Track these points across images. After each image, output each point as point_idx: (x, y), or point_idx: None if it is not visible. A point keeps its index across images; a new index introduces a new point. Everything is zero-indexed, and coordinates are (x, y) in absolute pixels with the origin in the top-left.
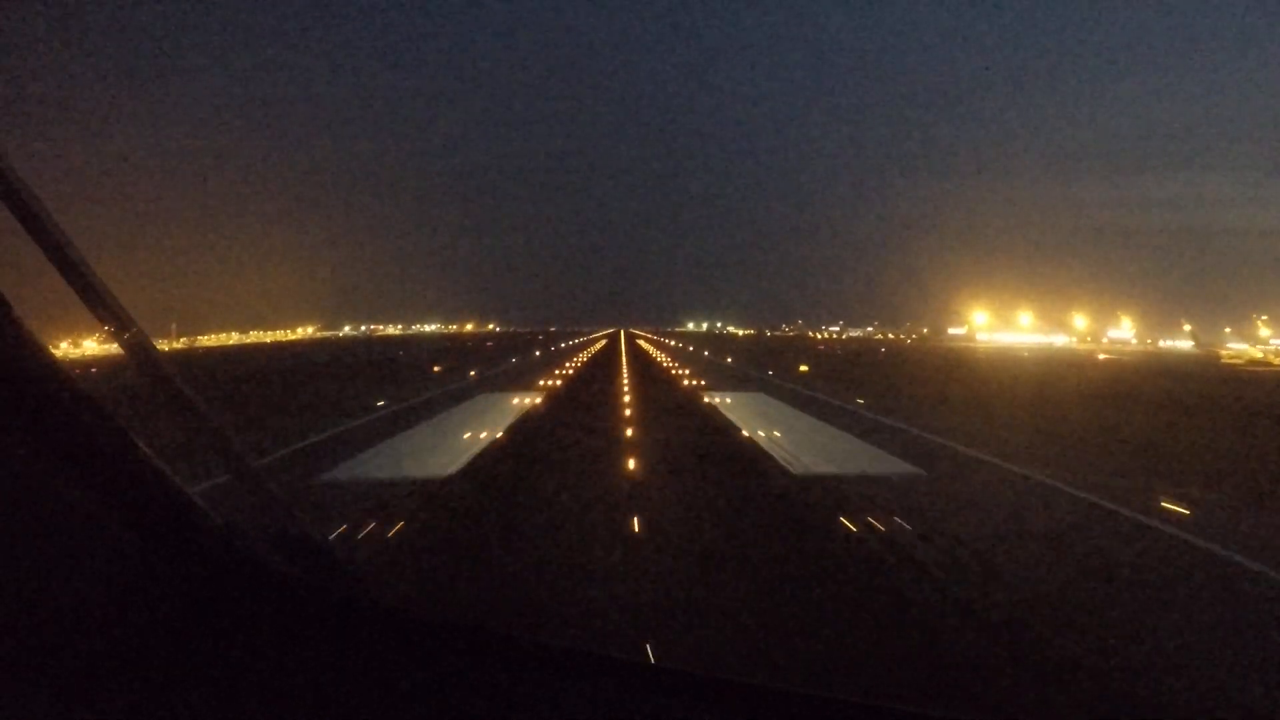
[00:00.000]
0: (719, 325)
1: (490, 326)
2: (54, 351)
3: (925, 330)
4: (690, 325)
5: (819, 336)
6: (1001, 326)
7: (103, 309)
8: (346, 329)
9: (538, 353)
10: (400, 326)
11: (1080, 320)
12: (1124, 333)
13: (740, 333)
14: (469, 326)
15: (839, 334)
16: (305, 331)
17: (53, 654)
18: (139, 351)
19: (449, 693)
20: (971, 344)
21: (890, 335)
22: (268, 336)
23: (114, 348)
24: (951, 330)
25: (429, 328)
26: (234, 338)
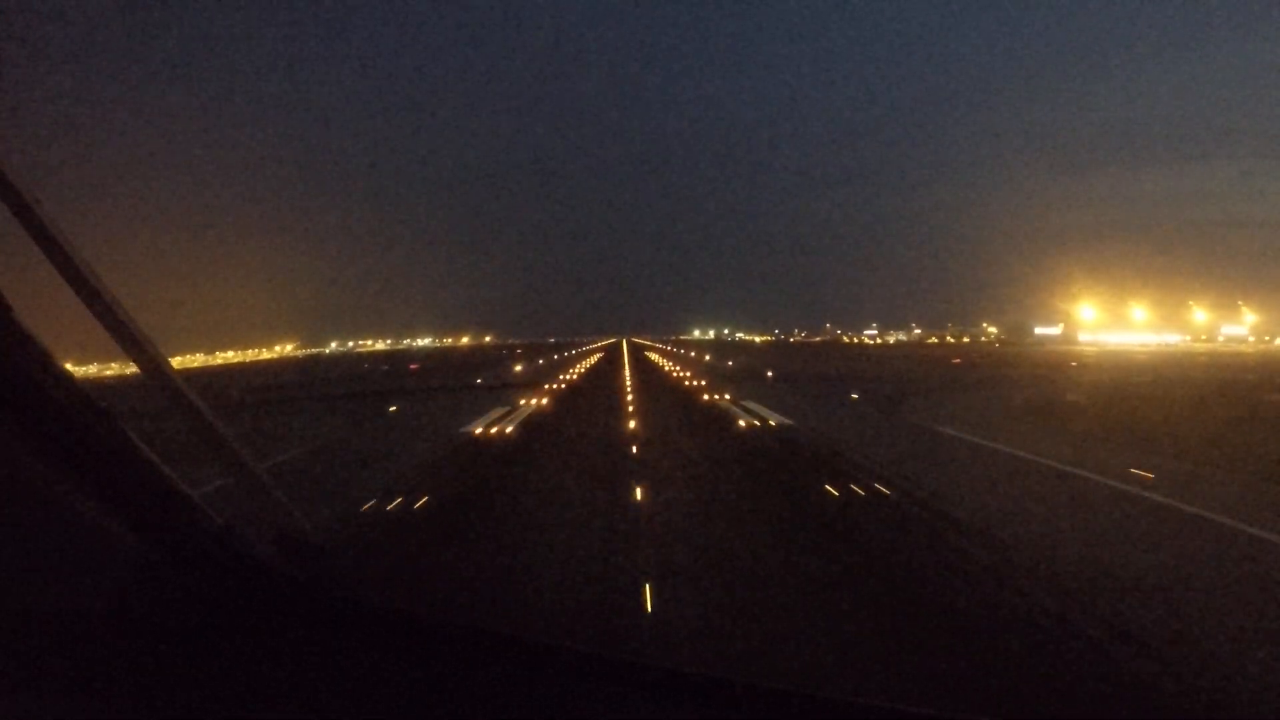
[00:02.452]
0: (726, 331)
1: (487, 339)
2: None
3: (993, 330)
4: (696, 332)
5: (869, 343)
6: (1088, 325)
7: (105, 312)
8: (333, 345)
9: (400, 416)
10: (389, 341)
11: (1183, 315)
12: (1239, 329)
13: (757, 339)
14: (465, 339)
15: (876, 338)
16: (283, 350)
17: (54, 653)
18: (142, 355)
19: (447, 693)
20: (1075, 346)
21: (949, 338)
22: (237, 357)
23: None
24: (1040, 330)
25: (422, 341)
26: (199, 359)
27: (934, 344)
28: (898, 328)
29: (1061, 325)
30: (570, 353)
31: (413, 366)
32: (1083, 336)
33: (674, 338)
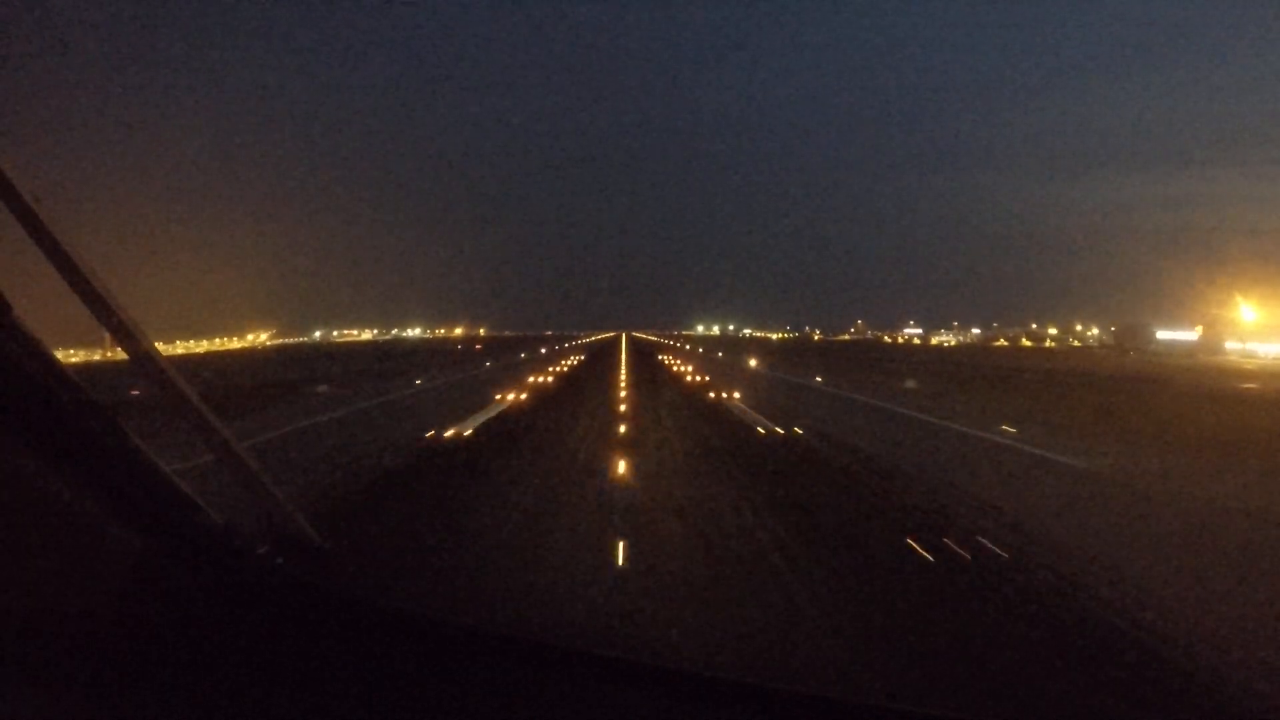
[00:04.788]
0: (731, 327)
1: (481, 330)
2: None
3: (1084, 333)
4: (700, 328)
5: (920, 344)
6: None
7: (103, 311)
8: (318, 334)
9: None
10: (375, 331)
11: None
12: None
13: (774, 337)
14: (458, 330)
15: (921, 339)
16: (257, 338)
17: (53, 654)
18: (138, 351)
19: (449, 692)
20: (1226, 357)
21: (1026, 340)
22: (200, 346)
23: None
24: (1165, 335)
25: (412, 332)
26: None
27: (1006, 347)
28: (940, 326)
29: (1200, 328)
30: (551, 349)
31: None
32: (1229, 344)
33: (677, 333)
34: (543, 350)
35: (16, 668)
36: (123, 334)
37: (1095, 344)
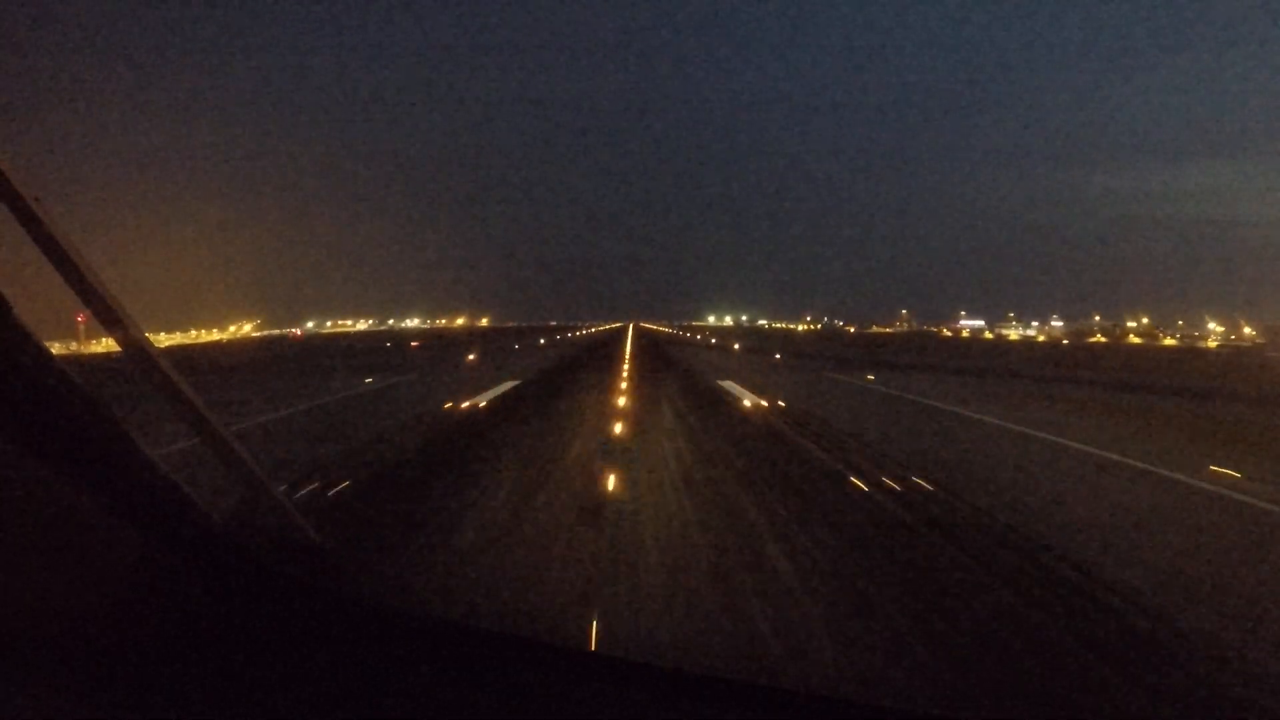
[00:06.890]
0: (744, 318)
1: (483, 321)
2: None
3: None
4: (711, 319)
5: (992, 338)
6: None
7: (100, 306)
8: (310, 325)
9: None
10: (370, 322)
11: None
12: None
13: (799, 328)
14: (460, 321)
15: (992, 334)
16: (240, 330)
17: (52, 655)
18: (136, 349)
19: (449, 693)
20: None
21: (1133, 337)
22: (167, 340)
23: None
24: None
25: (410, 323)
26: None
27: (1112, 345)
28: (992, 318)
29: None
30: (514, 349)
31: None
32: None
33: (687, 324)
34: (468, 361)
35: (16, 668)
36: (121, 332)
37: (1241, 342)
